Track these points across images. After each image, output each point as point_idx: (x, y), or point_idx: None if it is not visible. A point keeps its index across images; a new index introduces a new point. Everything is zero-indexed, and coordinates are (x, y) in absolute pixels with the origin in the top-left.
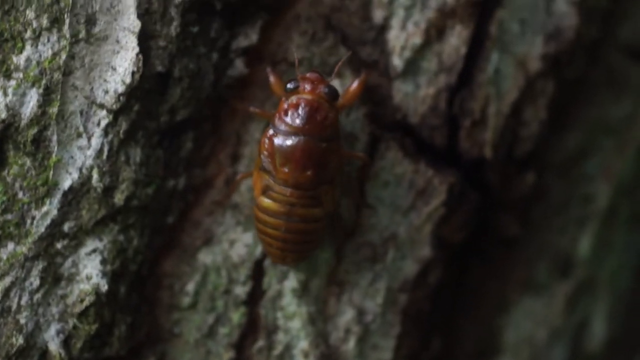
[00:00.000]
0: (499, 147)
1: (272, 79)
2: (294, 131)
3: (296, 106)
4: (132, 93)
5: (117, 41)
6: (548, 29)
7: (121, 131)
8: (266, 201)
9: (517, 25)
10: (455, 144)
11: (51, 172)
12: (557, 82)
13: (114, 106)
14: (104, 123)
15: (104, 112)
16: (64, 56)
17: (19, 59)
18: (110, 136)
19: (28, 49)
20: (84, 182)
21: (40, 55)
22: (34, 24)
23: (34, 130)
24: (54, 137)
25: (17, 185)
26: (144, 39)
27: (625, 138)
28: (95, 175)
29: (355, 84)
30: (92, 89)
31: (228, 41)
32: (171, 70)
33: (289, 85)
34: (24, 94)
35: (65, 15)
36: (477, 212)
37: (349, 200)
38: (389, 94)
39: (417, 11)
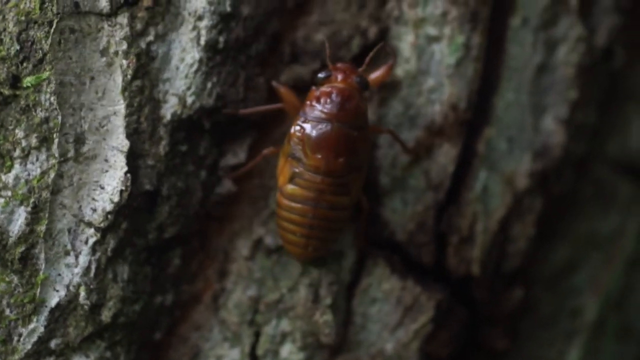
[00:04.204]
0: (487, 264)
1: (282, 92)
2: (326, 118)
3: (329, 94)
4: (120, 211)
5: (106, 160)
6: (536, 147)
7: (109, 249)
8: (294, 188)
9: (505, 143)
10: (443, 260)
11: (38, 290)
12: (545, 198)
13: (102, 224)
14: (91, 241)
15: (92, 230)
16: (52, 175)
17: (8, 178)
18: (98, 254)
19: (17, 167)
20: (71, 300)
21: (29, 174)
22: (23, 143)
23: (21, 248)
24: (42, 255)
25: (4, 302)
26: (133, 158)
27: (613, 251)
28: (82, 293)
29: (381, 70)
30: (80, 207)
31: (216, 159)
32: (159, 188)
33: (320, 75)
34: (12, 212)
35: (55, 135)
36: (465, 327)
37: (336, 316)
38: (377, 211)
39: (405, 129)
